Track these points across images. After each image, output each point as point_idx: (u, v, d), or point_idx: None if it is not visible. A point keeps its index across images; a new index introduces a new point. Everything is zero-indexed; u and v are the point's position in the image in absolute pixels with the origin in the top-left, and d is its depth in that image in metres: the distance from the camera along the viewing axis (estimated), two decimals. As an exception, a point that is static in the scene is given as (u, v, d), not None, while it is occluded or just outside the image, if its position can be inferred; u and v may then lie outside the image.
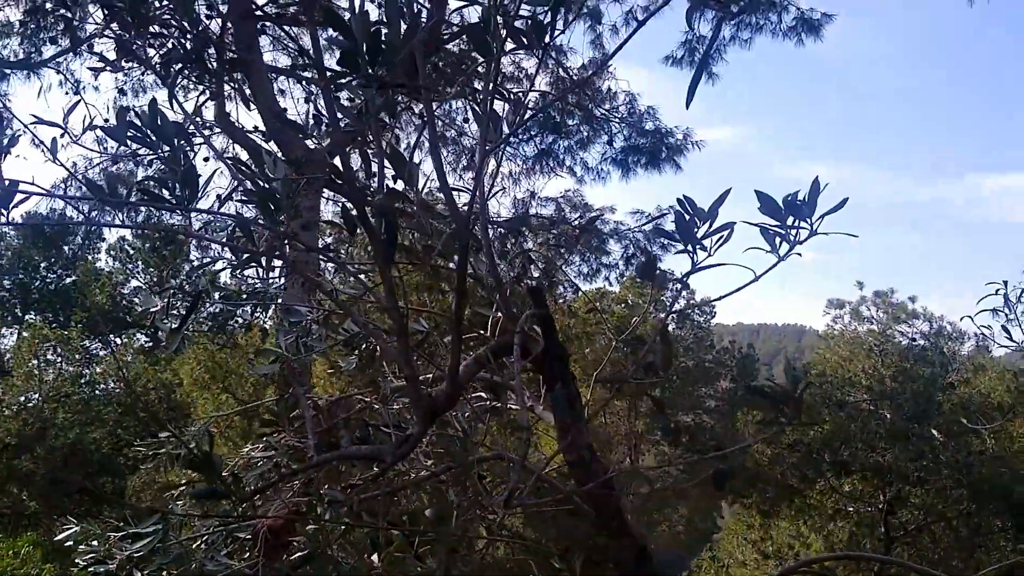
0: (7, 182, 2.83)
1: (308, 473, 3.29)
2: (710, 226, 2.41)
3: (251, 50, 13.04)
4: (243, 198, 2.81)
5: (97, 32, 11.89)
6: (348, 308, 2.79)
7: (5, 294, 37.55)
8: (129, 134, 2.74)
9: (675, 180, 18.31)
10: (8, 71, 12.54)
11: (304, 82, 14.29)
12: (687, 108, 2.19)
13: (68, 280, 37.93)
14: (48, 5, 13.12)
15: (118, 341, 34.83)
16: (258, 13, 12.64)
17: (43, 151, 3.10)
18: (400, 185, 2.78)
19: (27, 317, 35.65)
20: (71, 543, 4.62)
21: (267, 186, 2.69)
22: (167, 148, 2.58)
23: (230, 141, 13.74)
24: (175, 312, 4.22)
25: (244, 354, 23.43)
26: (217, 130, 12.84)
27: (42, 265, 38.21)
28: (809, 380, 22.95)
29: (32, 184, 2.84)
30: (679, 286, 2.55)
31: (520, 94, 17.02)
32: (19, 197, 2.86)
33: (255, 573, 4.13)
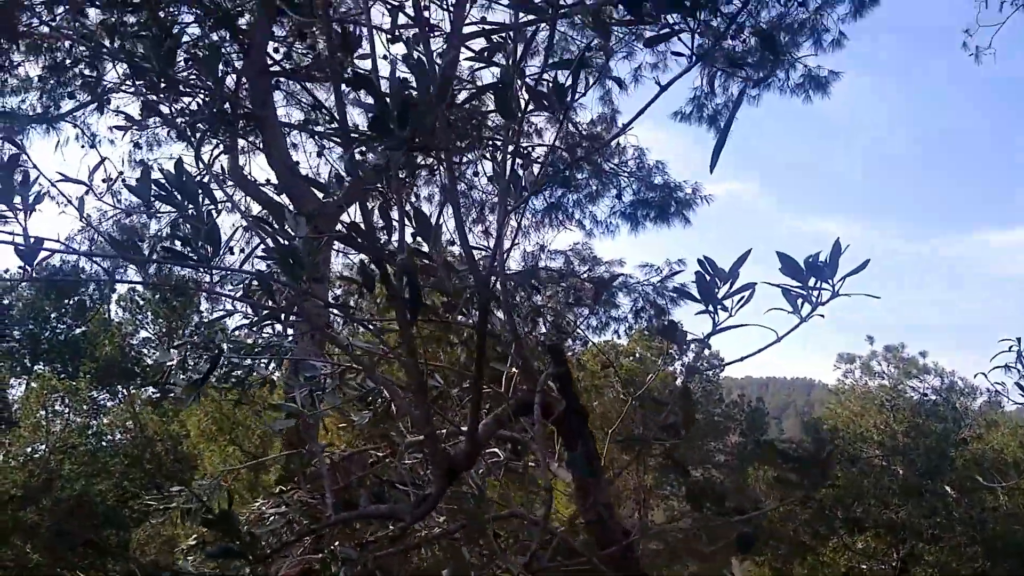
0: (32, 239, 2.87)
1: (322, 531, 3.26)
2: (731, 286, 2.42)
3: (265, 105, 13.24)
4: (263, 255, 2.83)
5: (115, 87, 12.10)
6: (365, 363, 2.80)
7: (15, 344, 37.60)
8: (152, 192, 2.78)
9: (684, 234, 18.43)
10: (26, 126, 12.74)
11: (316, 136, 14.47)
12: (711, 172, 2.21)
13: (78, 331, 38.00)
14: (68, 62, 13.37)
15: (126, 392, 34.78)
16: (273, 69, 12.84)
17: (65, 210, 3.14)
18: (418, 242, 2.81)
19: (36, 368, 35.68)
20: None
21: (288, 244, 2.71)
22: (191, 206, 2.61)
23: (244, 195, 13.88)
24: (189, 366, 4.23)
25: (252, 407, 23.39)
26: (231, 183, 12.98)
27: (52, 316, 38.32)
28: (830, 440, 22.83)
29: (55, 240, 2.88)
30: (696, 345, 2.55)
31: (530, 148, 17.23)
32: (43, 254, 2.90)
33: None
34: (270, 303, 2.93)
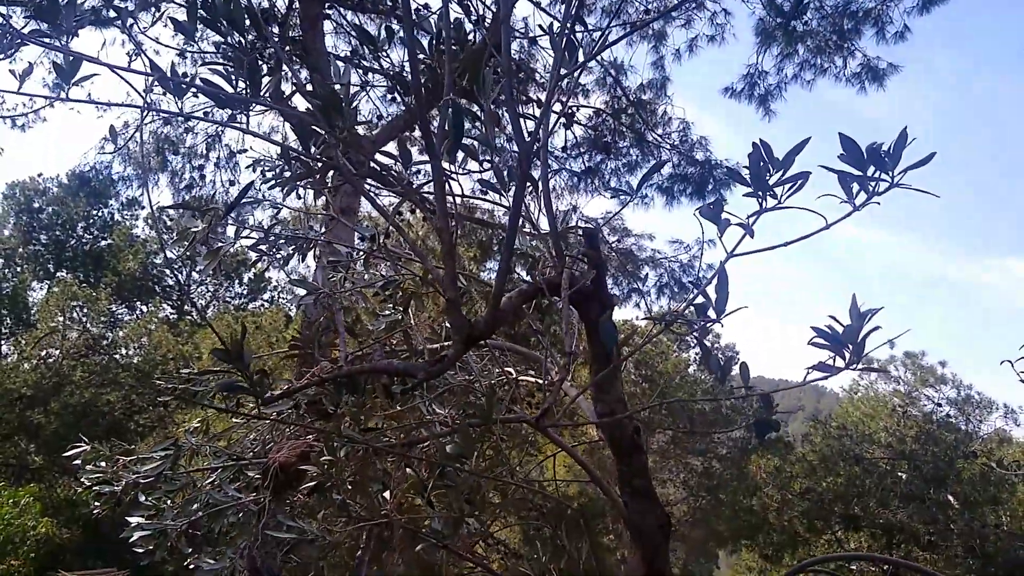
0: (71, 56, 2.80)
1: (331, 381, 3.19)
2: (783, 174, 2.32)
3: (314, 29, 13.15)
4: (303, 95, 2.73)
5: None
6: (397, 225, 2.72)
7: (41, 248, 37.96)
8: (199, 19, 2.69)
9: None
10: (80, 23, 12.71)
11: (361, 71, 14.37)
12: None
13: (103, 243, 38.30)
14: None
15: (144, 309, 35.10)
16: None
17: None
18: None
19: (59, 274, 36.01)
20: (78, 490, 4.56)
21: (327, 88, 2.63)
22: (237, 34, 2.53)
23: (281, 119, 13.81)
24: (215, 235, 4.16)
25: (266, 335, 23.46)
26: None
27: (79, 225, 38.62)
28: (829, 432, 22.69)
29: (95, 61, 2.80)
30: (739, 229, 2.46)
31: (575, 108, 16.88)
32: (82, 73, 2.82)
33: (261, 508, 4.05)
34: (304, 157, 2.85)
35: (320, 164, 2.83)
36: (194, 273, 35.03)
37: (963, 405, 21.98)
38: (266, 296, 37.94)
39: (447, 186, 2.60)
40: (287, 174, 3.71)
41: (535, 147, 2.49)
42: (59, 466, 23.89)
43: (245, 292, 38.77)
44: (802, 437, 24.54)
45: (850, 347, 2.14)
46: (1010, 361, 6.30)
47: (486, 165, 2.92)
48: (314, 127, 2.74)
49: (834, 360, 2.19)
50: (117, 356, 29.52)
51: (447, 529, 3.52)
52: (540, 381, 4.42)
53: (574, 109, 16.59)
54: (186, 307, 35.58)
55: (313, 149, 2.84)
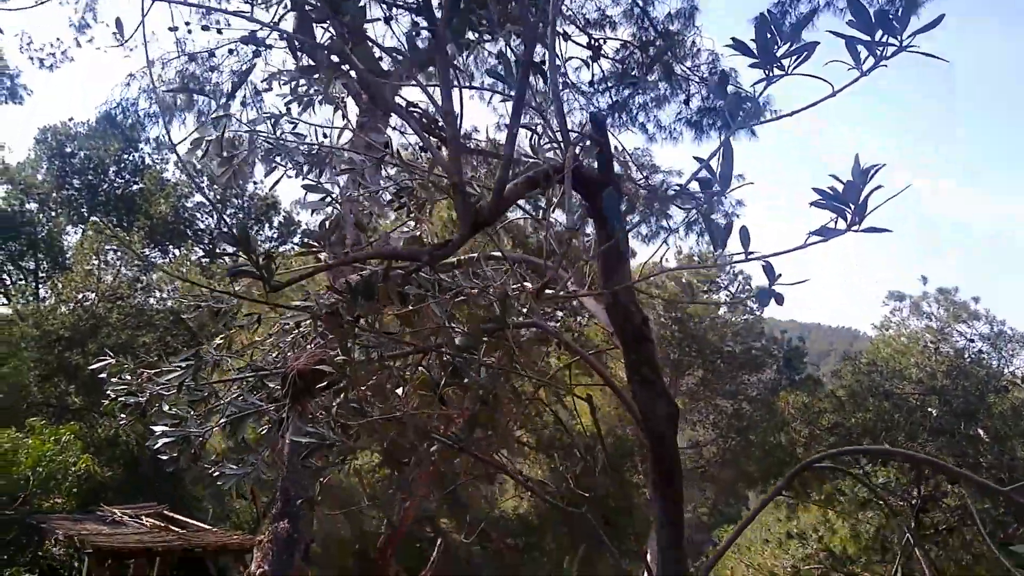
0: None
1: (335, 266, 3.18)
2: (790, 46, 2.26)
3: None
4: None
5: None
6: (406, 114, 2.70)
7: (74, 193, 38.31)
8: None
9: (748, 147, 17.98)
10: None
11: (384, 5, 14.19)
12: None
13: (135, 187, 38.57)
14: None
15: (176, 252, 35.46)
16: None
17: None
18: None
19: (92, 219, 36.41)
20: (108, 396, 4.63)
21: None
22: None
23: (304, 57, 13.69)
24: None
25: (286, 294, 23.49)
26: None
27: (111, 169, 38.85)
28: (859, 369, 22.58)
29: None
30: (746, 100, 2.41)
31: (602, 41, 16.60)
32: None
33: (280, 415, 4.11)
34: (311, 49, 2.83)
35: (327, 52, 2.81)
36: (224, 218, 35.25)
37: (995, 340, 21.75)
38: (296, 239, 38.15)
39: (453, 73, 2.57)
40: (302, 83, 3.70)
41: (542, 28, 2.45)
42: (99, 406, 24.40)
43: (275, 236, 39.00)
44: (831, 374, 24.48)
45: (852, 207, 2.09)
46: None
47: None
48: (317, 19, 2.71)
49: (836, 223, 2.15)
50: (152, 299, 29.97)
51: (463, 432, 3.55)
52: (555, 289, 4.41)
53: (601, 42, 16.33)
54: (217, 250, 35.90)
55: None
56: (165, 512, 19.47)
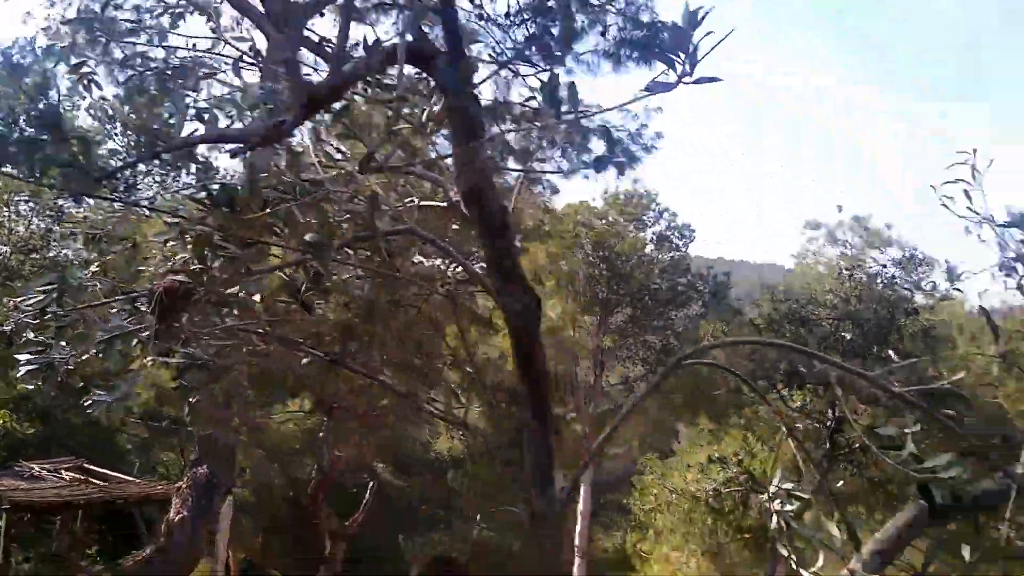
0: None
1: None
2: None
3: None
4: None
5: None
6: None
7: (-20, 141, 36.74)
8: None
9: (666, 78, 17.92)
10: None
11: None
12: None
13: (44, 136, 37.07)
14: None
15: (90, 201, 34.34)
16: None
17: None
18: None
19: (2, 168, 34.96)
20: None
21: None
22: None
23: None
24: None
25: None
26: None
27: (21, 118, 37.29)
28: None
29: None
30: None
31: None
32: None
33: (146, 333, 3.99)
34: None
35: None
36: (140, 164, 34.16)
37: (907, 264, 22.33)
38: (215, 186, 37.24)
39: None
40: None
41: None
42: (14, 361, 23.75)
43: (195, 182, 38.02)
44: (751, 303, 24.97)
45: (682, 56, 2.01)
46: (933, 186, 6.34)
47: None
48: None
49: (668, 75, 2.07)
50: (66, 251, 29.15)
51: (338, 345, 3.47)
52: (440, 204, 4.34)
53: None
54: (132, 198, 34.84)
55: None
56: (85, 465, 19.14)
